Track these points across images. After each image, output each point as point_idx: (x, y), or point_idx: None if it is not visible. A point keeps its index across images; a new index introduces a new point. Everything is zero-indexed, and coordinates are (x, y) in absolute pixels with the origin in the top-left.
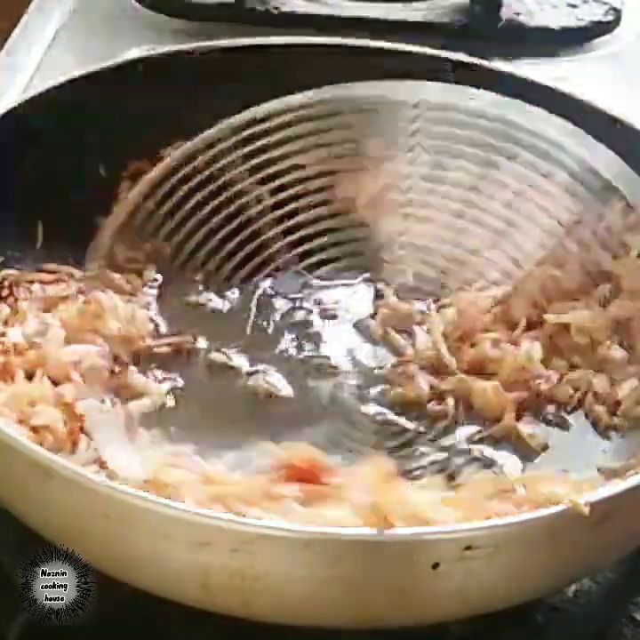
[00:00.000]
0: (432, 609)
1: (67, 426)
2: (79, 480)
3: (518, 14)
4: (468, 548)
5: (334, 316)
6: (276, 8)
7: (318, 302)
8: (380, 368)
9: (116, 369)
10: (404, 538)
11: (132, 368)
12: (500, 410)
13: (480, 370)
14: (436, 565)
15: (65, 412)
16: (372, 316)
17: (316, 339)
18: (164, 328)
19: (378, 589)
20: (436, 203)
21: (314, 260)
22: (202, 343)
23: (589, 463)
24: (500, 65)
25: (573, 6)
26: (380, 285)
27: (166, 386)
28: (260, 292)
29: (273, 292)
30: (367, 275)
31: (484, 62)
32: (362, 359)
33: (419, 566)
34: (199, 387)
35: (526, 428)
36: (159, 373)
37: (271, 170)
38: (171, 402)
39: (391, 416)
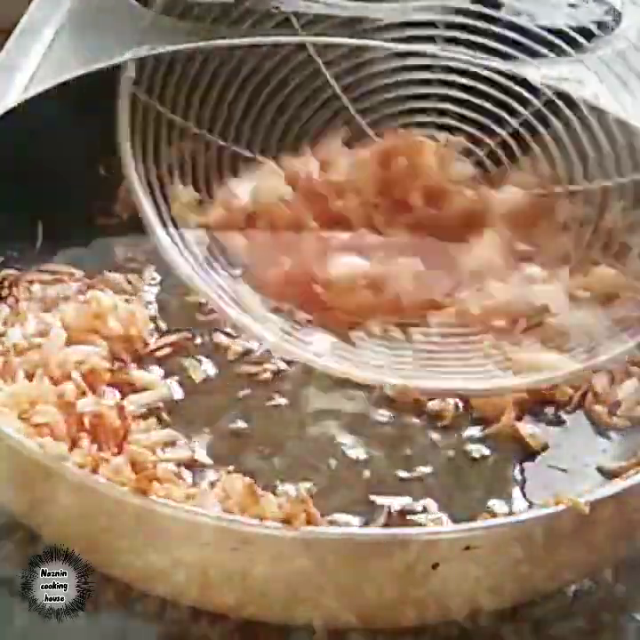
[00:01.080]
0: (432, 609)
1: (67, 425)
2: (79, 480)
3: (518, 14)
4: (468, 548)
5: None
6: (276, 8)
7: None
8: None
9: (117, 367)
10: (404, 538)
11: (133, 365)
12: (500, 410)
13: None
14: (435, 565)
15: (65, 411)
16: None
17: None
18: (164, 328)
19: (378, 589)
20: None
21: None
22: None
23: (589, 463)
24: (499, 65)
25: (573, 6)
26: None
27: (168, 381)
28: None
29: None
30: None
31: (484, 62)
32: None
33: (419, 566)
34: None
35: (526, 428)
36: (160, 371)
37: None
38: (175, 394)
39: (391, 416)
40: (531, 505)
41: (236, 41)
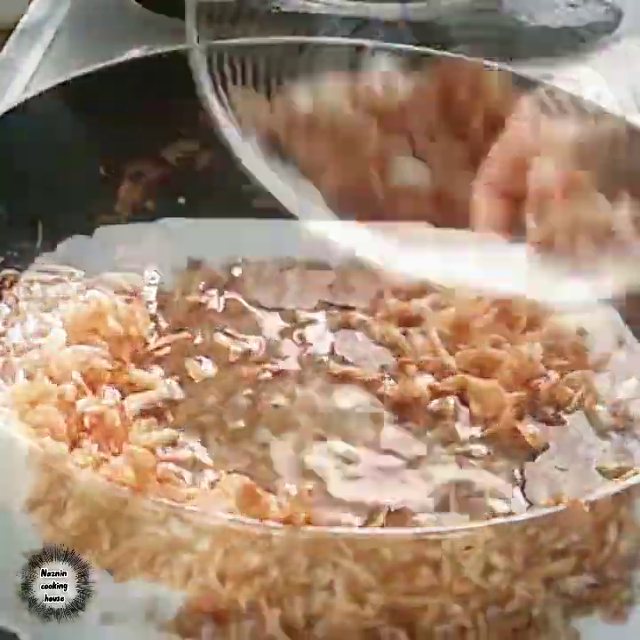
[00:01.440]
0: (432, 608)
1: (67, 425)
2: (79, 479)
3: (518, 14)
4: (468, 547)
5: (334, 316)
6: (277, 8)
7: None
8: (381, 368)
9: (117, 367)
10: (404, 538)
11: (132, 365)
12: (500, 410)
13: (480, 370)
14: (436, 565)
15: (65, 411)
16: (373, 316)
17: (316, 337)
18: (164, 328)
19: (378, 589)
20: None
21: None
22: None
23: (589, 463)
24: (499, 65)
25: (573, 6)
26: (381, 285)
27: (168, 381)
28: None
29: None
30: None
31: (483, 62)
32: (362, 359)
33: (419, 566)
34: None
35: (526, 427)
36: (160, 371)
37: None
38: (175, 394)
39: (391, 415)
40: (531, 505)
41: (237, 41)
